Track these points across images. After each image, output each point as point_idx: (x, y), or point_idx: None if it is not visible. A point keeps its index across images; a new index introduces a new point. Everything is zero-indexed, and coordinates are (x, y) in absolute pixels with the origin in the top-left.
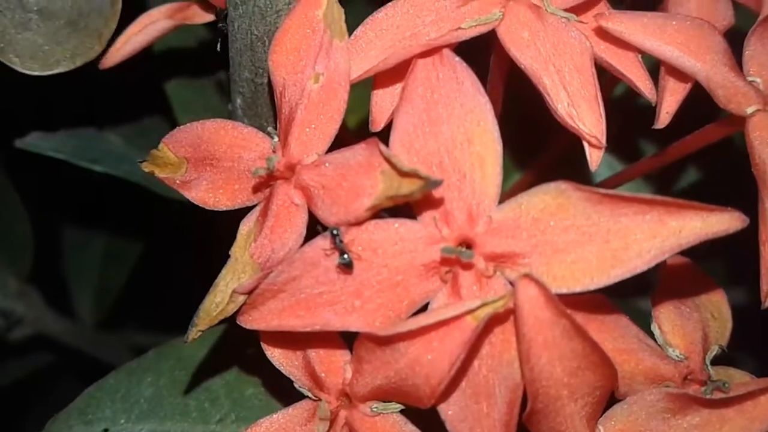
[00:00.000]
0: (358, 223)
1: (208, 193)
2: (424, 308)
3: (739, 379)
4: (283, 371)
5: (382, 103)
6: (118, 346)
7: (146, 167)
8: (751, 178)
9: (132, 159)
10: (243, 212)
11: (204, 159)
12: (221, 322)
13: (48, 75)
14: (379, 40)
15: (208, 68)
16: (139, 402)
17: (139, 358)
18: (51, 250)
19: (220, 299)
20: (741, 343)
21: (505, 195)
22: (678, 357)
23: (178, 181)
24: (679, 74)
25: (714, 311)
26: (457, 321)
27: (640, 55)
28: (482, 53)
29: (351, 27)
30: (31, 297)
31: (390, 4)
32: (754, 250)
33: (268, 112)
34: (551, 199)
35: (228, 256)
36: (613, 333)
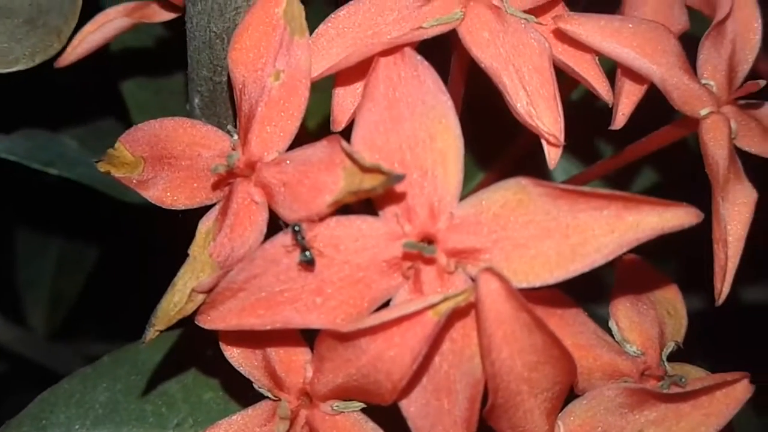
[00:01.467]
0: (320, 219)
1: (165, 192)
2: (385, 305)
3: (694, 375)
4: (242, 372)
5: (344, 101)
6: (72, 356)
7: (102, 167)
8: (705, 180)
9: (87, 162)
10: (200, 215)
11: (162, 158)
12: (179, 323)
13: (5, 73)
14: (340, 38)
15: (164, 68)
16: (94, 407)
17: (94, 364)
18: (3, 257)
19: (178, 298)
20: (695, 345)
21: (469, 195)
22: (635, 353)
23: (134, 181)
24: (635, 76)
25: (669, 308)
26: (418, 316)
27: (597, 57)
28: (441, 52)
29: (311, 26)
30: None
31: (352, 2)
32: (707, 254)
33: (226, 111)
34: (511, 195)
35: (186, 256)
36: (571, 328)
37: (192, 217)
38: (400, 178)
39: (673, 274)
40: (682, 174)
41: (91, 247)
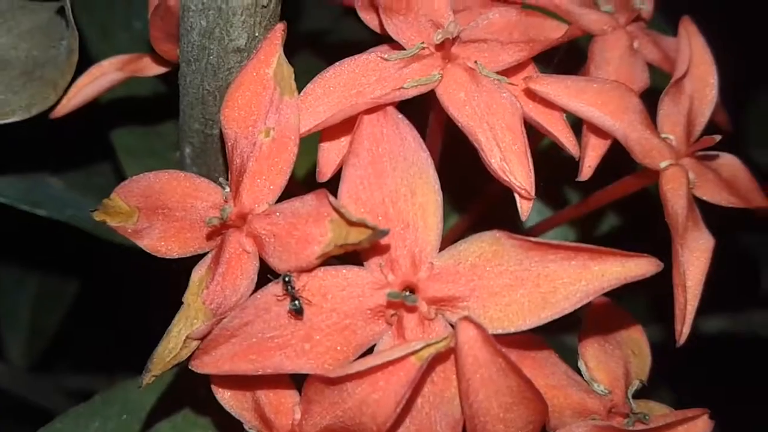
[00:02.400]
0: (309, 269)
1: (160, 242)
2: (370, 350)
3: (658, 411)
4: (233, 414)
5: (329, 155)
6: (51, 388)
7: (98, 216)
8: (664, 224)
9: (75, 203)
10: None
11: (156, 208)
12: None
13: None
14: (326, 97)
15: (152, 117)
16: None
17: (86, 403)
18: None
19: (173, 345)
20: (659, 376)
21: (444, 238)
22: (603, 392)
23: (129, 230)
24: (600, 131)
25: (634, 348)
26: (401, 361)
27: (564, 114)
28: (418, 109)
29: (298, 76)
30: None
31: (337, 63)
32: (671, 291)
33: (216, 161)
34: (487, 246)
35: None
36: (544, 370)
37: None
38: (384, 233)
39: (640, 306)
40: (643, 218)
41: (70, 281)
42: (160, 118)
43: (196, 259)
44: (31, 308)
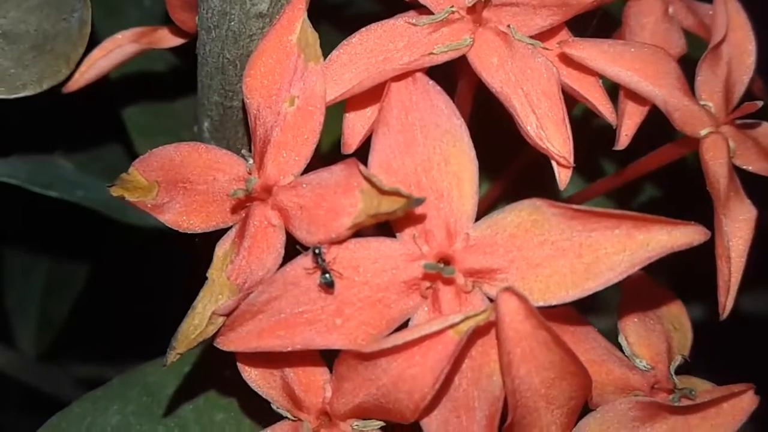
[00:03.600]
0: (339, 241)
1: (181, 216)
2: (403, 325)
3: (701, 387)
4: (260, 393)
5: (354, 125)
6: (62, 378)
7: (115, 191)
8: (701, 196)
9: (86, 184)
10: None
11: (177, 182)
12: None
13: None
14: (353, 64)
15: (165, 95)
16: (105, 430)
17: (104, 386)
18: None
19: (198, 321)
20: (694, 355)
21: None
22: (645, 367)
23: (149, 205)
24: (637, 98)
25: (675, 323)
26: (439, 336)
27: (600, 80)
28: (443, 75)
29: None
30: None
31: (363, 29)
32: (699, 268)
33: (236, 135)
34: (526, 216)
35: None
36: (584, 345)
37: (181, 239)
38: (420, 201)
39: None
40: (681, 190)
41: (80, 268)
42: (172, 95)
43: (218, 234)
44: (41, 297)
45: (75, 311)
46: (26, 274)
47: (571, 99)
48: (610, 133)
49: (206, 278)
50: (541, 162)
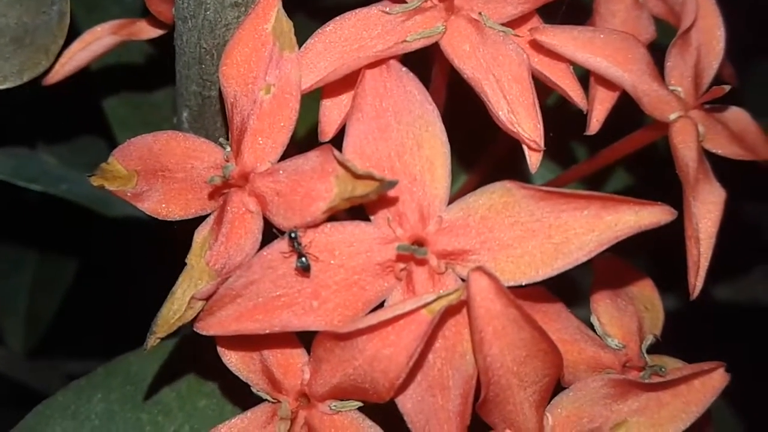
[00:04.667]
0: (315, 225)
1: (160, 204)
2: (378, 307)
3: (672, 365)
4: (240, 376)
5: (330, 113)
6: (51, 373)
7: (95, 181)
8: (673, 180)
9: (70, 178)
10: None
11: (156, 170)
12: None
13: None
14: (327, 52)
15: (145, 86)
16: (90, 418)
17: (88, 375)
18: None
19: (177, 306)
20: (668, 344)
21: (454, 197)
22: (617, 346)
23: (129, 194)
24: (608, 84)
25: (647, 303)
26: (413, 315)
27: (571, 66)
28: (418, 63)
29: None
30: None
31: (338, 18)
32: (675, 255)
33: (214, 125)
34: (497, 198)
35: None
36: (556, 324)
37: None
38: (393, 183)
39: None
40: (651, 174)
41: (68, 263)
42: (152, 86)
43: (197, 222)
44: (29, 293)
45: (63, 306)
46: (13, 270)
47: (544, 87)
48: (581, 120)
49: (185, 264)
50: (517, 151)
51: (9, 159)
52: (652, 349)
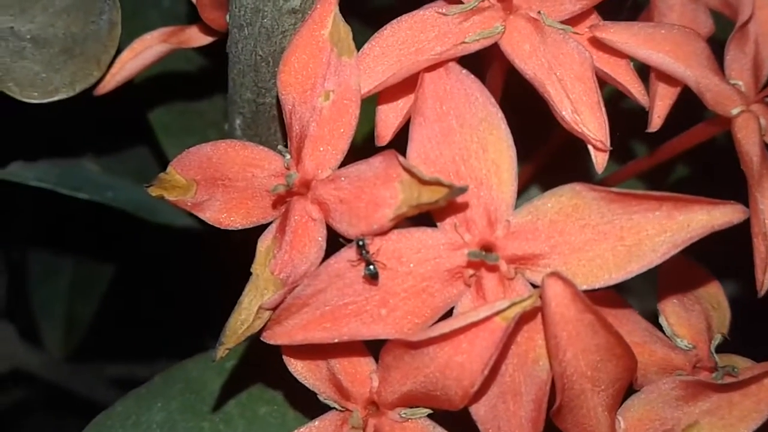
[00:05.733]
0: (382, 233)
1: (222, 213)
2: (448, 314)
3: (742, 364)
4: (306, 384)
5: (387, 118)
6: (92, 378)
7: (154, 191)
8: (731, 175)
9: (114, 186)
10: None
11: (215, 179)
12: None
13: (47, 102)
14: (385, 56)
15: (189, 95)
16: (151, 427)
17: (147, 384)
18: (18, 281)
19: (245, 316)
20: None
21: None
22: (687, 347)
23: (189, 203)
24: (669, 79)
25: (713, 302)
26: (486, 322)
27: (631, 62)
28: (472, 63)
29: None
30: (4, 331)
31: (394, 21)
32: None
33: (268, 131)
34: (567, 201)
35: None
36: (626, 327)
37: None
38: (464, 189)
39: None
40: (710, 169)
41: (104, 268)
42: (197, 94)
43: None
44: (67, 298)
45: (101, 311)
46: (51, 276)
47: (599, 81)
48: (639, 114)
49: (250, 274)
50: (572, 144)
51: (53, 168)
52: (720, 348)
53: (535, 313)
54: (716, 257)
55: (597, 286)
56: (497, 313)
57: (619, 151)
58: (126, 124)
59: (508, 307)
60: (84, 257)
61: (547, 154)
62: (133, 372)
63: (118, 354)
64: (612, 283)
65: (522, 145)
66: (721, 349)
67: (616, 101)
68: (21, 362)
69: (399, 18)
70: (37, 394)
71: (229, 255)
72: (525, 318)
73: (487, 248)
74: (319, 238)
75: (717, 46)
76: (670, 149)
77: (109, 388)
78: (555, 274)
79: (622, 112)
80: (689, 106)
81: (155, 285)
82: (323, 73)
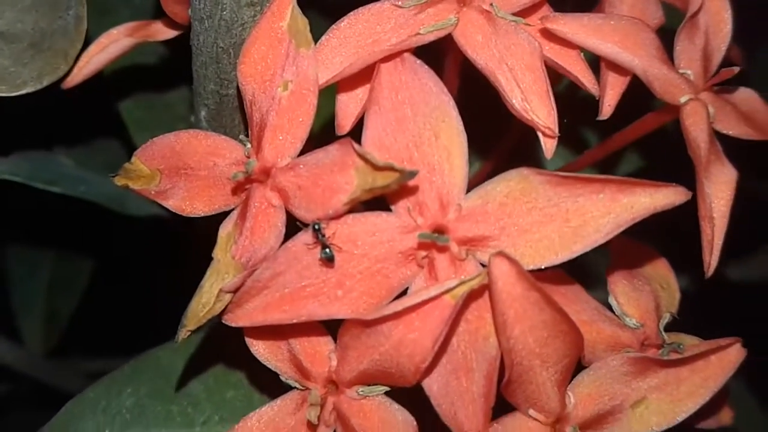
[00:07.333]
0: (337, 217)
1: (185, 201)
2: (402, 294)
3: (689, 342)
4: (268, 365)
5: (347, 107)
6: (72, 373)
7: (119, 181)
8: (684, 163)
9: (87, 180)
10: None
11: (178, 169)
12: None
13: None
14: (342, 48)
15: (158, 87)
16: (121, 412)
17: (116, 371)
18: (1, 277)
19: (206, 300)
20: (683, 324)
21: (469, 185)
22: (635, 325)
23: (153, 192)
24: (618, 69)
25: (662, 283)
26: (436, 301)
27: (581, 53)
28: (430, 54)
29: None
30: None
31: (352, 13)
32: (685, 238)
33: (232, 122)
34: (515, 184)
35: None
36: (575, 305)
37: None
38: (413, 174)
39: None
40: (662, 158)
41: (84, 263)
42: (165, 87)
43: (210, 219)
44: (46, 293)
45: (81, 306)
46: (30, 271)
47: (555, 75)
48: (592, 106)
49: (211, 259)
50: (530, 138)
51: (26, 162)
52: (669, 327)
53: (484, 291)
54: (673, 252)
55: (544, 265)
56: (446, 292)
57: (575, 142)
58: (97, 118)
59: (457, 286)
60: (64, 253)
61: (506, 150)
62: (112, 367)
63: (97, 349)
64: (558, 262)
65: (483, 141)
66: (673, 330)
67: (572, 93)
68: (0, 358)
69: (356, 10)
70: (17, 389)
71: (199, 247)
72: (474, 296)
73: (440, 231)
74: (279, 224)
75: (668, 36)
76: (623, 138)
77: (89, 382)
78: (501, 254)
79: (577, 103)
80: (643, 96)
81: (133, 279)
82: (282, 64)
